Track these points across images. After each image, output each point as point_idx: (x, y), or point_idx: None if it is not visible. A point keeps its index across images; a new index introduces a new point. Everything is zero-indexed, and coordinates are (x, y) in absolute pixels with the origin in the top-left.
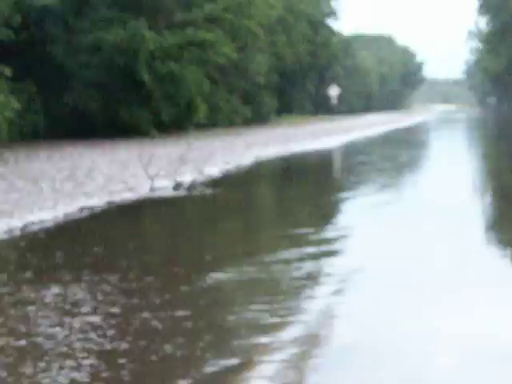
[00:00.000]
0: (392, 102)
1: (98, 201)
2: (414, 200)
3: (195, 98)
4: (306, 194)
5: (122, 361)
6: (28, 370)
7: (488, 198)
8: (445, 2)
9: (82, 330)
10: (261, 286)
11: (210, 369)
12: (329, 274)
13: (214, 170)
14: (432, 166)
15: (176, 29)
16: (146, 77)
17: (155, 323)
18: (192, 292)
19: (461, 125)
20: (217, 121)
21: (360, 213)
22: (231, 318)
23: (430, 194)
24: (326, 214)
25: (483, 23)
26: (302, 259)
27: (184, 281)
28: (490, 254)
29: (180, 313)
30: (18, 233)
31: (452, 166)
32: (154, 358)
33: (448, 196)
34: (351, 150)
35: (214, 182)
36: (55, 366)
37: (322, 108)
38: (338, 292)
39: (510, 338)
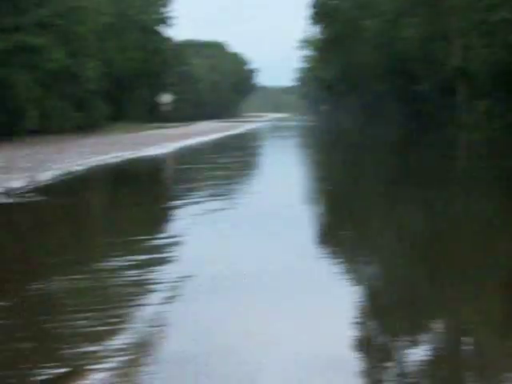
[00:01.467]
0: (224, 109)
1: None
2: (245, 207)
3: (25, 103)
4: (138, 201)
5: None
6: None
7: (317, 206)
8: (277, 11)
9: None
10: (90, 293)
11: (39, 377)
12: (159, 282)
13: (44, 177)
14: (263, 173)
15: (5, 33)
16: None
17: None
18: (19, 300)
19: (292, 132)
20: (48, 127)
21: (192, 220)
22: (60, 326)
23: (260, 201)
24: (158, 221)
25: (315, 32)
26: (132, 266)
27: (9, 289)
28: (318, 261)
29: (7, 322)
30: None
31: (283, 173)
32: None
33: (277, 203)
34: (184, 157)
35: (45, 189)
36: None
37: (154, 115)
38: (168, 299)
39: (337, 346)
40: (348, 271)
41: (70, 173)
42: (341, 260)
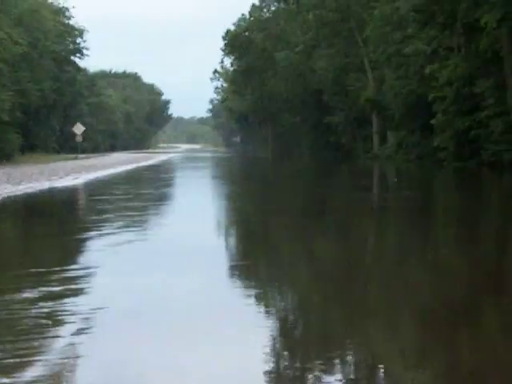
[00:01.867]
0: (138, 140)
1: None
2: (158, 239)
3: None
4: (49, 232)
5: None
6: None
7: (232, 236)
8: (191, 42)
9: None
10: (0, 325)
11: None
12: (72, 313)
13: None
14: (175, 205)
15: None
16: None
17: None
18: None
19: (205, 163)
20: None
21: (105, 251)
22: None
23: (173, 232)
24: (70, 252)
25: (229, 63)
26: (44, 298)
27: None
28: (232, 291)
29: None
30: None
31: (195, 204)
32: None
33: (193, 235)
34: (94, 188)
35: None
36: None
37: (66, 146)
38: (80, 331)
39: (250, 376)
40: (262, 300)
41: None
42: (254, 289)
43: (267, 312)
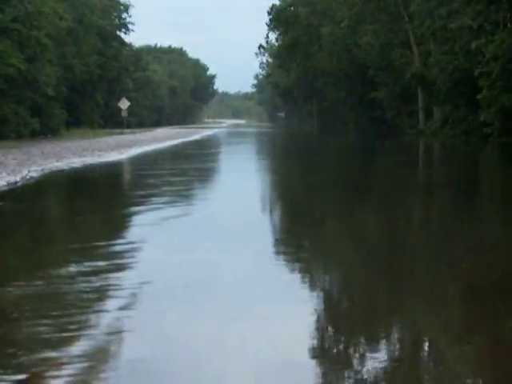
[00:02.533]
0: (183, 115)
1: None
2: (205, 214)
3: None
4: (97, 207)
5: None
6: None
7: (278, 213)
8: (237, 16)
9: None
10: (48, 300)
11: None
12: (118, 288)
13: (1, 183)
14: (220, 180)
15: None
16: None
17: None
18: None
19: (249, 138)
20: (4, 133)
21: (151, 226)
22: (18, 332)
23: (219, 207)
24: (117, 227)
25: (274, 38)
26: (90, 273)
27: None
28: (282, 269)
29: None
30: None
31: (240, 179)
32: None
33: (237, 210)
34: (140, 163)
35: (3, 194)
36: None
37: (111, 121)
38: (127, 306)
39: (297, 352)
40: (309, 278)
41: (31, 178)
42: (302, 267)
43: (313, 288)
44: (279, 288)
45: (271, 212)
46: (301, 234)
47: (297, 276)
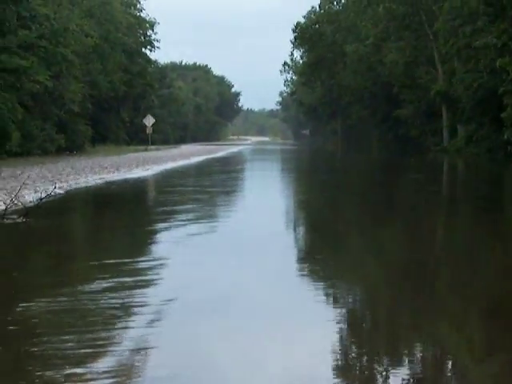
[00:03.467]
0: (207, 132)
1: None
2: (229, 231)
3: (8, 125)
4: (122, 224)
5: None
6: None
7: (301, 230)
8: (261, 34)
9: None
10: (73, 316)
11: None
12: (143, 305)
13: (28, 199)
14: (243, 198)
15: None
16: None
17: None
18: (2, 322)
19: (274, 155)
20: (30, 149)
21: (175, 243)
22: (43, 348)
23: (245, 225)
24: (141, 243)
25: (298, 56)
26: (115, 289)
27: None
28: (304, 286)
29: None
30: None
31: (264, 197)
32: None
33: (263, 227)
34: (164, 180)
35: (29, 211)
36: None
37: (136, 137)
38: (151, 322)
39: (321, 369)
40: (331, 296)
41: (56, 194)
42: (324, 286)
43: (336, 308)
44: (302, 306)
45: (294, 231)
46: (323, 248)
47: (320, 296)
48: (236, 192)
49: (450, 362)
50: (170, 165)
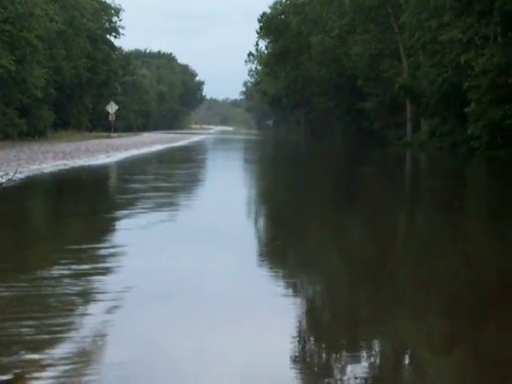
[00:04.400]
0: (170, 120)
1: None
2: (190, 219)
3: None
4: (82, 210)
5: None
6: None
7: (262, 220)
8: (227, 23)
9: None
10: (31, 302)
11: None
12: (102, 291)
13: None
14: (206, 186)
15: None
16: None
17: None
18: None
19: (237, 145)
20: None
21: (136, 231)
22: (0, 333)
23: (203, 213)
24: (101, 230)
25: (264, 46)
26: (74, 276)
27: None
28: (263, 274)
29: None
30: None
31: (226, 187)
32: None
33: (224, 217)
34: (126, 167)
35: None
36: None
37: (99, 124)
38: (110, 310)
39: (278, 360)
40: (291, 285)
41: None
42: (284, 273)
43: (296, 300)
44: (264, 296)
45: (254, 216)
46: (286, 240)
47: (280, 285)
48: (197, 181)
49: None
50: (132, 152)
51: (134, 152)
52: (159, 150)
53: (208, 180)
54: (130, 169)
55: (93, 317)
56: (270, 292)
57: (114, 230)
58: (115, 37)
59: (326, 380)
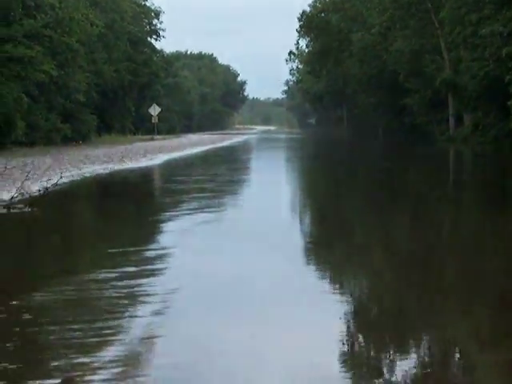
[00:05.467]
0: (213, 121)
1: None
2: (235, 221)
3: (13, 114)
4: (127, 213)
5: None
6: None
7: (308, 220)
8: (267, 22)
9: None
10: (80, 305)
11: None
12: (150, 294)
13: (34, 188)
14: (253, 186)
15: None
16: None
17: None
18: (10, 311)
19: (281, 144)
20: (35, 139)
21: (183, 232)
22: (51, 337)
23: (249, 215)
24: (147, 232)
25: (304, 45)
26: (121, 278)
27: (2, 300)
28: (312, 275)
29: None
30: None
31: (270, 188)
32: None
33: (270, 217)
34: (171, 169)
35: (35, 201)
36: None
37: (142, 127)
38: (158, 312)
39: (327, 361)
40: (339, 285)
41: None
42: (332, 275)
43: (343, 299)
44: (314, 296)
45: (300, 220)
46: (331, 243)
47: (326, 286)
48: (243, 182)
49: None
50: (176, 154)
51: (179, 154)
52: (203, 151)
53: (252, 182)
54: (175, 171)
55: (140, 319)
56: (318, 290)
57: (162, 231)
58: (156, 39)
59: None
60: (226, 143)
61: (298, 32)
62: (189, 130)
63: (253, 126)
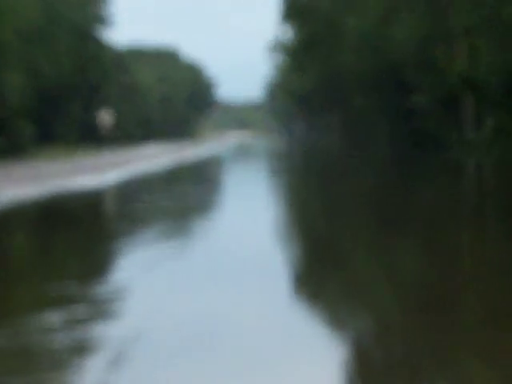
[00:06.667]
0: (177, 128)
1: None
2: (204, 251)
3: None
4: (72, 243)
5: None
6: None
7: (290, 249)
8: (239, 13)
9: None
10: (20, 357)
11: None
12: (101, 343)
13: None
14: (222, 218)
15: None
16: None
17: None
18: None
19: (260, 161)
20: None
21: (140, 265)
22: None
23: (222, 243)
24: (98, 265)
25: (288, 34)
26: (68, 323)
27: None
28: (291, 316)
29: None
30: None
31: (244, 214)
32: None
33: (244, 244)
34: (125, 191)
35: None
36: None
37: (90, 136)
38: (112, 364)
39: None
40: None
41: None
42: (316, 313)
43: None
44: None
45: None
46: (318, 281)
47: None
48: (208, 215)
49: None
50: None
51: (131, 172)
52: (160, 170)
53: (220, 201)
54: (130, 193)
55: (91, 374)
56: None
57: (116, 263)
58: (105, 30)
59: None
60: (186, 156)
61: (281, 19)
62: (148, 138)
63: (225, 132)
